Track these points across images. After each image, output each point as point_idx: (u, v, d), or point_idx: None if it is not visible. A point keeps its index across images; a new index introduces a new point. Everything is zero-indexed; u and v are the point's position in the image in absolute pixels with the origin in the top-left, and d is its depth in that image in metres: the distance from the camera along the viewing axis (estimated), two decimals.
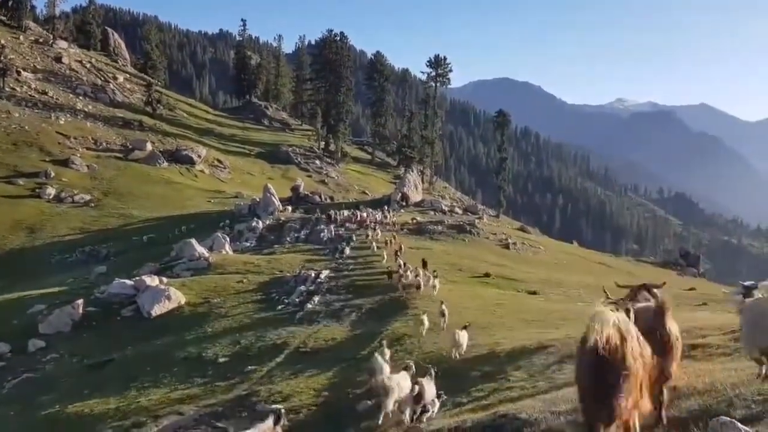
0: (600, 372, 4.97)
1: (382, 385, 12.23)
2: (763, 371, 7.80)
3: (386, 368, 14.07)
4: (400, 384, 12.06)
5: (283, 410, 11.98)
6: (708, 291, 46.39)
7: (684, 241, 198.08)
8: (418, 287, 27.09)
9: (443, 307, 21.49)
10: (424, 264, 32.05)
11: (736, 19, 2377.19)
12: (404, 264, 31.07)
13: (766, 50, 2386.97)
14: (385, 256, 36.09)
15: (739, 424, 6.23)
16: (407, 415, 11.68)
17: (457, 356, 17.02)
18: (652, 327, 6.43)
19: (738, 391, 7.45)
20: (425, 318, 21.08)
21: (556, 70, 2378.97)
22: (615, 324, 5.05)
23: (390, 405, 11.97)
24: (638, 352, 5.17)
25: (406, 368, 13.20)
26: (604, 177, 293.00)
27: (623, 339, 5.04)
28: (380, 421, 12.28)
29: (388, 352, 16.36)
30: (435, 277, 28.42)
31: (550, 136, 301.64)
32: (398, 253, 36.00)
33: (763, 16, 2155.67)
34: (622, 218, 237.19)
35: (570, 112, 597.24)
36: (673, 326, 6.71)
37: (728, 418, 6.37)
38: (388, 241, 42.35)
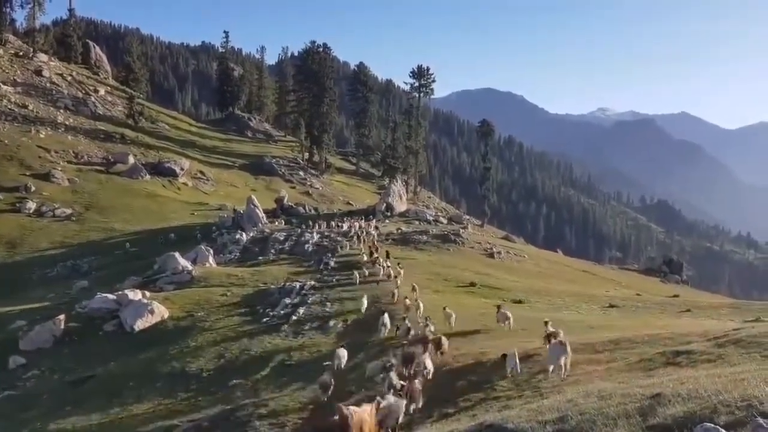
0: None
1: None
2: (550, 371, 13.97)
3: None
4: None
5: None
6: (691, 297, 46.93)
7: (667, 248, 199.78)
8: (389, 276, 32.75)
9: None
10: (387, 255, 40.00)
11: (714, 28, 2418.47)
12: (377, 258, 37.76)
13: (744, 58, 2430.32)
14: (362, 248, 42.00)
15: (723, 431, 6.24)
16: None
17: None
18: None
19: (722, 397, 7.46)
20: (365, 299, 27.38)
21: (538, 80, 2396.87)
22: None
23: None
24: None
25: None
26: (587, 185, 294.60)
27: None
28: None
29: None
30: (399, 266, 34.90)
31: (533, 145, 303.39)
32: (372, 248, 41.42)
33: (740, 25, 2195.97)
34: (606, 226, 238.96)
35: (553, 122, 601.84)
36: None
37: (712, 425, 6.37)
38: (362, 237, 48.22)
